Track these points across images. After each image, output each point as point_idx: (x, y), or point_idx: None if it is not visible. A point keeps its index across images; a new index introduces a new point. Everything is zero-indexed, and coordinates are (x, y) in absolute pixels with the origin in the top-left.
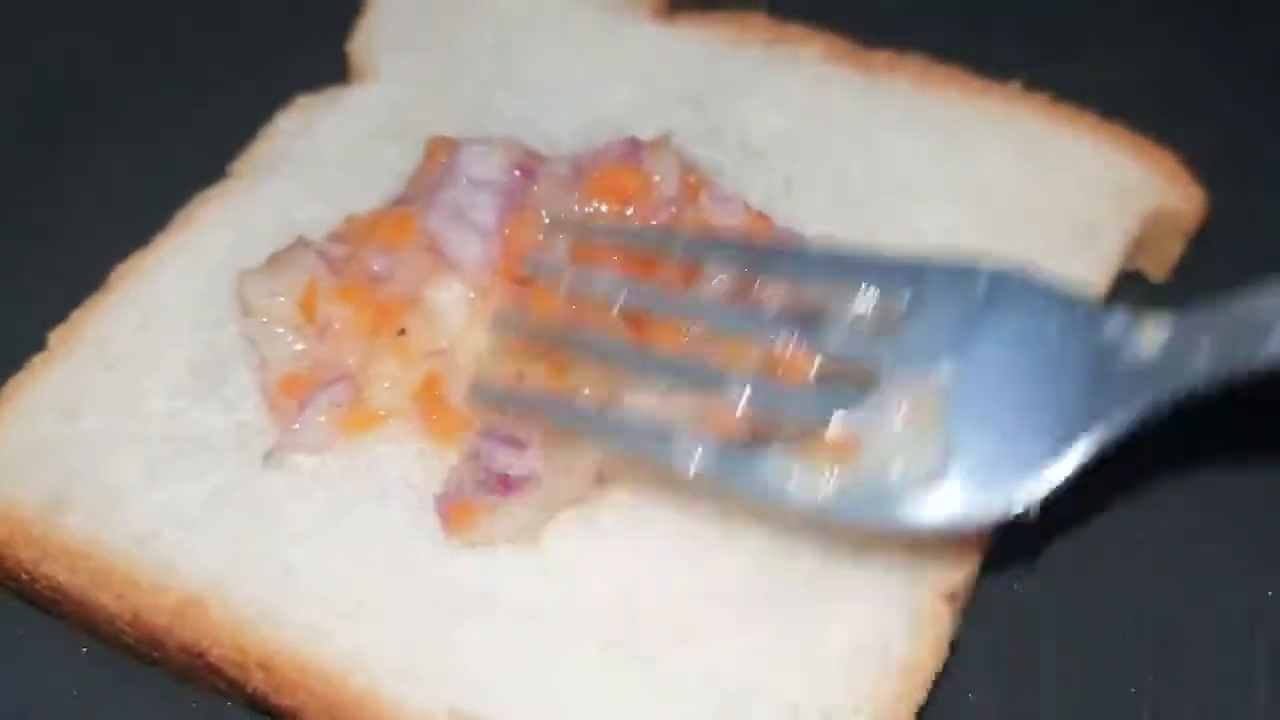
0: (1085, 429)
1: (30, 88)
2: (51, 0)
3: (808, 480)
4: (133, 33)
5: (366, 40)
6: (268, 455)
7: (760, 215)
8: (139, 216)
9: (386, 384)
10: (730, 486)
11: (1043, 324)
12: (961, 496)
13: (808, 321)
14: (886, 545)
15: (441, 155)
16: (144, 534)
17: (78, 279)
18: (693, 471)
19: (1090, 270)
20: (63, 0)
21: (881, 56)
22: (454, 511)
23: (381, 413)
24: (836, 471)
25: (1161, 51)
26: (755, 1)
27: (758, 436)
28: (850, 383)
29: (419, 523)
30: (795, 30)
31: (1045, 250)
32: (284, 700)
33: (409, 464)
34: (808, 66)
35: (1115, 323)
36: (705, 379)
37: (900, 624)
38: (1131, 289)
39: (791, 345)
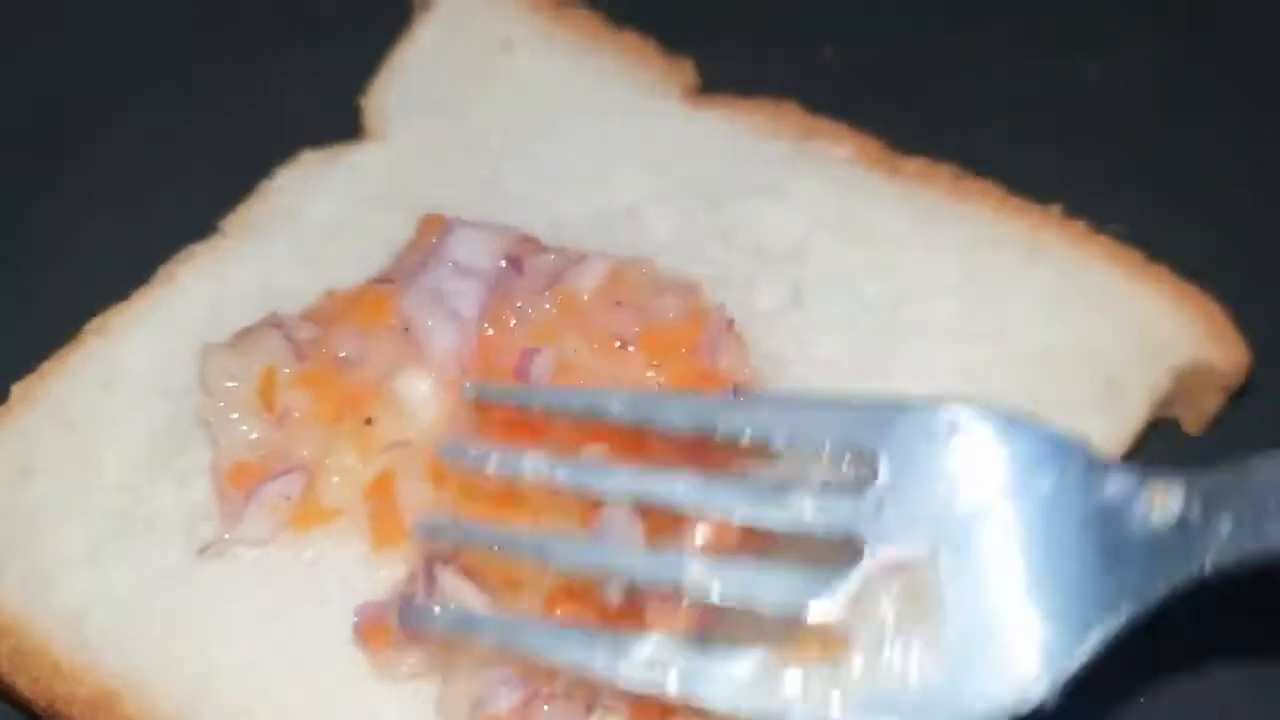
0: (1097, 615)
1: (31, 117)
2: (64, 30)
3: (785, 683)
4: (148, 65)
5: (381, 97)
6: (204, 548)
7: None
8: (125, 265)
9: (337, 479)
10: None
11: (1035, 479)
12: (966, 694)
13: (766, 487)
14: None
15: (432, 233)
16: (73, 615)
17: (52, 328)
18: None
19: (1110, 425)
20: (76, 30)
21: (915, 164)
22: (369, 631)
23: (331, 509)
24: (820, 672)
25: (1219, 198)
26: (790, 90)
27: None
28: (820, 561)
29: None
30: (827, 126)
31: (1063, 399)
32: None
33: (352, 567)
34: (835, 168)
35: (1119, 481)
36: (659, 568)
37: None
38: (1164, 442)
39: (755, 515)
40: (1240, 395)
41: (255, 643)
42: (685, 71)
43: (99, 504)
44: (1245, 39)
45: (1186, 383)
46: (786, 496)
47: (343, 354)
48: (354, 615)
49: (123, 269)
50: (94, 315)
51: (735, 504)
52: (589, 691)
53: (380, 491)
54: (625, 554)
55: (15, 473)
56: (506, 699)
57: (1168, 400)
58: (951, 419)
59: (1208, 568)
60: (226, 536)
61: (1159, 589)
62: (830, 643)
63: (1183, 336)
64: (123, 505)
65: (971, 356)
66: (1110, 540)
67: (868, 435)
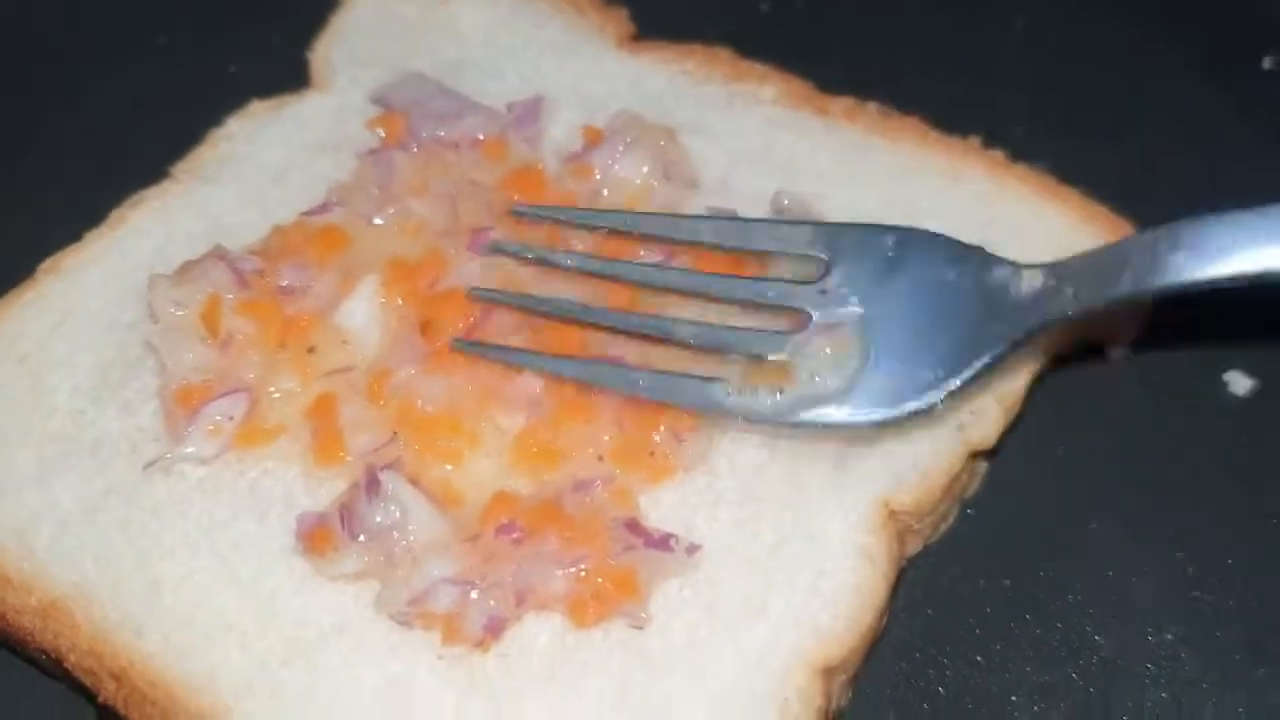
0: (975, 353)
1: None
2: None
3: (748, 396)
4: (106, 17)
5: (327, 50)
6: (149, 463)
7: None
8: (78, 208)
9: (278, 396)
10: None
11: (942, 271)
12: (875, 401)
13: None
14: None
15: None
16: (22, 529)
17: (10, 267)
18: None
19: None
20: None
21: (841, 103)
22: (312, 535)
23: (273, 428)
24: (773, 388)
25: (1126, 129)
26: (724, 36)
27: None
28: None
29: (294, 545)
30: (757, 69)
31: None
32: (132, 714)
33: (293, 484)
34: (764, 107)
35: (1001, 270)
36: (660, 325)
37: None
38: (1087, 362)
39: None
40: (1155, 315)
41: (198, 554)
42: (620, 20)
43: (48, 429)
44: None
45: None
46: (757, 284)
47: (285, 284)
48: (296, 524)
49: (77, 213)
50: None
51: (718, 285)
52: (520, 587)
53: (321, 412)
54: (630, 316)
55: None
56: (446, 595)
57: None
58: (882, 229)
59: (1057, 316)
60: (169, 454)
61: (1024, 330)
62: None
63: None
64: (70, 430)
65: None
66: (995, 305)
67: (821, 241)
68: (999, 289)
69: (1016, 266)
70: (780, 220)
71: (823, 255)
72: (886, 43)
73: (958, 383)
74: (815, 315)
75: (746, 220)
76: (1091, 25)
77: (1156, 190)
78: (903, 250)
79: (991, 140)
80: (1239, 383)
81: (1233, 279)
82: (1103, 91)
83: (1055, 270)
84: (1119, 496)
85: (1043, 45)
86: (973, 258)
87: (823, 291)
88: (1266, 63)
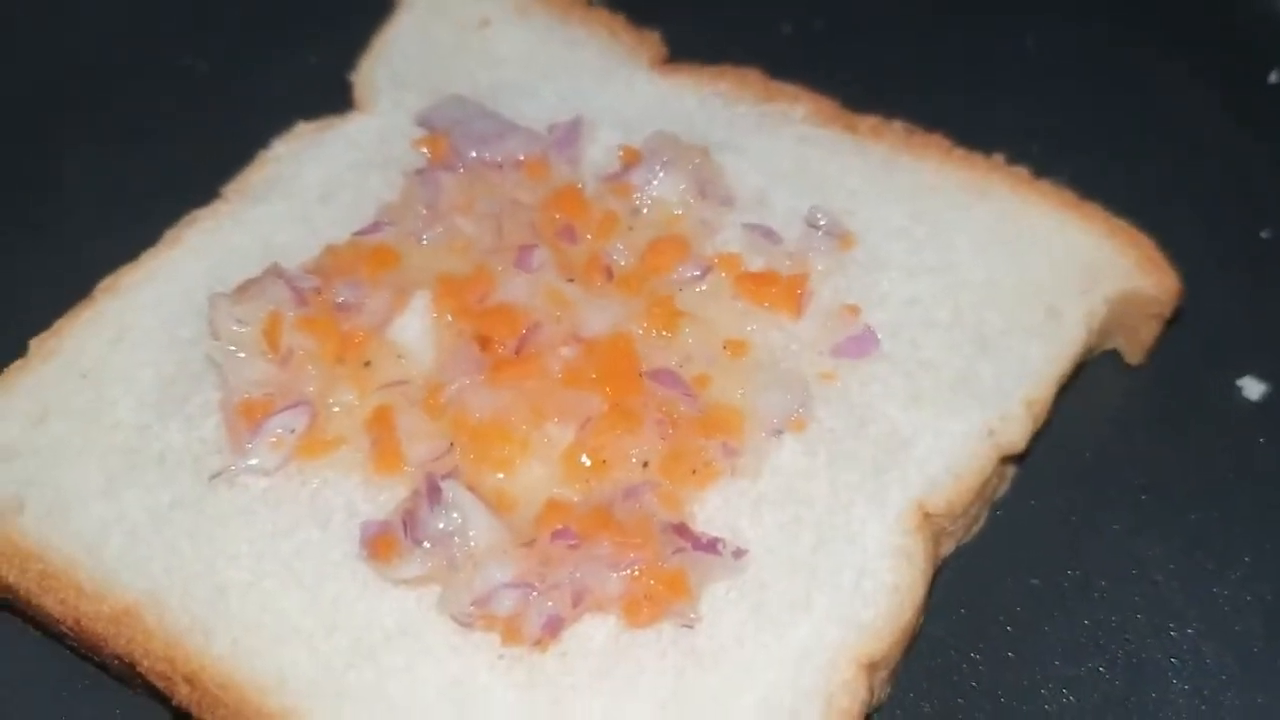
0: None
1: (39, 85)
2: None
3: None
4: (159, 38)
5: (370, 72)
6: (214, 475)
7: None
8: (133, 229)
9: (338, 409)
10: None
11: None
12: None
13: None
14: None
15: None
16: (93, 541)
17: (68, 287)
18: None
19: (1051, 350)
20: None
21: (868, 121)
22: (376, 542)
23: (334, 440)
24: None
25: (1147, 146)
26: (754, 57)
27: None
28: None
29: (356, 552)
30: (787, 89)
31: (1008, 328)
32: (205, 716)
33: (354, 493)
34: (794, 126)
35: None
36: None
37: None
38: (1108, 370)
39: None
40: (1174, 324)
41: (262, 561)
42: (653, 43)
43: (112, 442)
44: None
45: (1122, 311)
46: None
47: (341, 300)
48: (359, 531)
49: (132, 233)
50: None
51: None
52: (577, 590)
53: (379, 423)
54: None
55: (34, 419)
56: (507, 598)
57: (1107, 330)
58: None
59: None
60: (233, 466)
61: None
62: None
63: (1116, 267)
64: (135, 443)
65: (918, 290)
66: None
67: None
68: None
69: None
70: None
71: None
72: (902, 60)
73: None
74: None
75: None
76: (1097, 39)
77: (1173, 205)
78: None
79: (1014, 158)
80: (1253, 388)
81: None
82: (1114, 106)
83: None
84: (1139, 498)
85: (1054, 61)
86: None
87: None
88: (1273, 76)
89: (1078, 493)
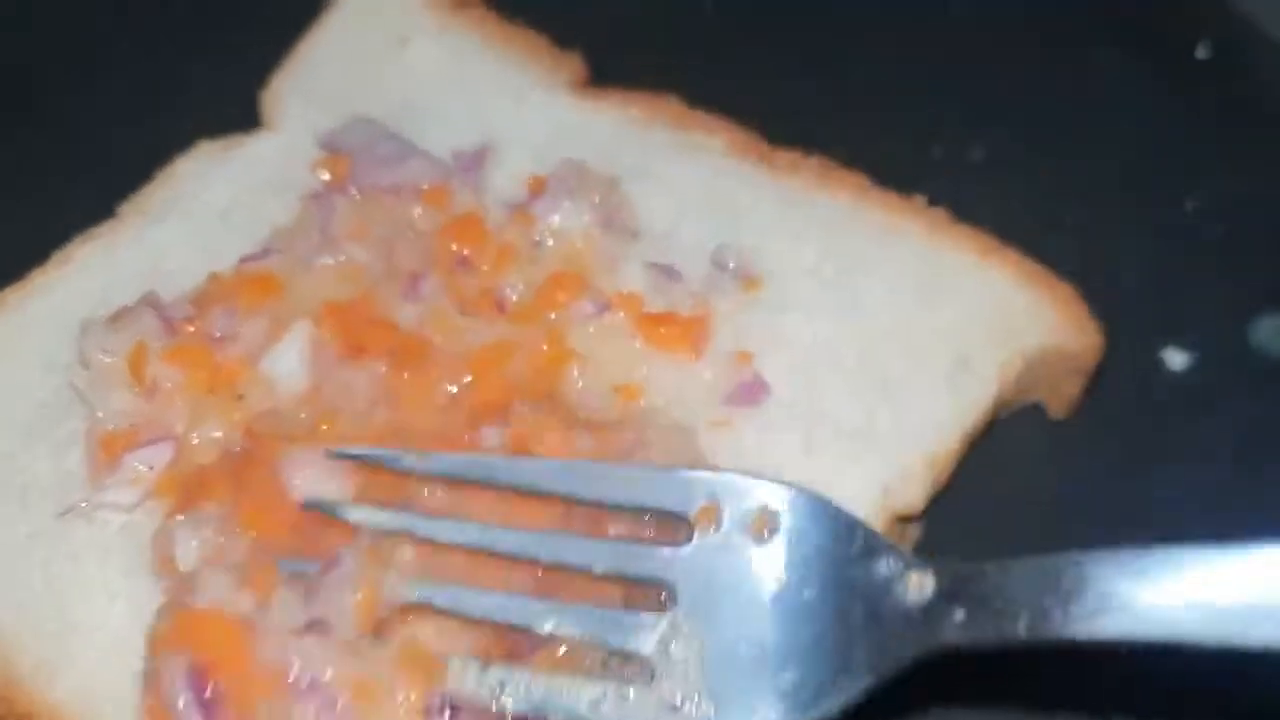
0: (858, 672)
1: None
2: None
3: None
4: (60, 51)
5: (279, 89)
6: (64, 511)
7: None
8: (25, 247)
9: (203, 443)
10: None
11: (819, 554)
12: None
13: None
14: None
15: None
16: None
17: None
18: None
19: (960, 403)
20: None
21: (786, 155)
22: None
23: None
24: (634, 693)
25: (1075, 191)
26: (676, 84)
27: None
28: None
29: None
30: (705, 119)
31: (914, 377)
32: None
33: None
34: (710, 157)
35: (886, 564)
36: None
37: None
38: (1029, 425)
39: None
40: (1099, 378)
41: (114, 603)
42: (574, 65)
43: None
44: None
45: (1041, 364)
46: (619, 547)
47: (217, 333)
48: None
49: (22, 251)
50: None
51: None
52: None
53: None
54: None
55: None
56: None
57: (1026, 383)
58: (757, 499)
59: (944, 643)
60: (84, 503)
61: (894, 659)
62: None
63: (1035, 319)
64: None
65: (826, 332)
66: (873, 612)
67: (686, 501)
68: (878, 589)
69: (905, 562)
70: (643, 470)
71: (695, 510)
72: (828, 93)
73: (829, 711)
74: (681, 596)
75: (608, 468)
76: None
77: (1101, 258)
78: (783, 518)
79: (939, 200)
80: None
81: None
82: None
83: (949, 580)
84: None
85: (989, 100)
86: (857, 537)
87: (691, 564)
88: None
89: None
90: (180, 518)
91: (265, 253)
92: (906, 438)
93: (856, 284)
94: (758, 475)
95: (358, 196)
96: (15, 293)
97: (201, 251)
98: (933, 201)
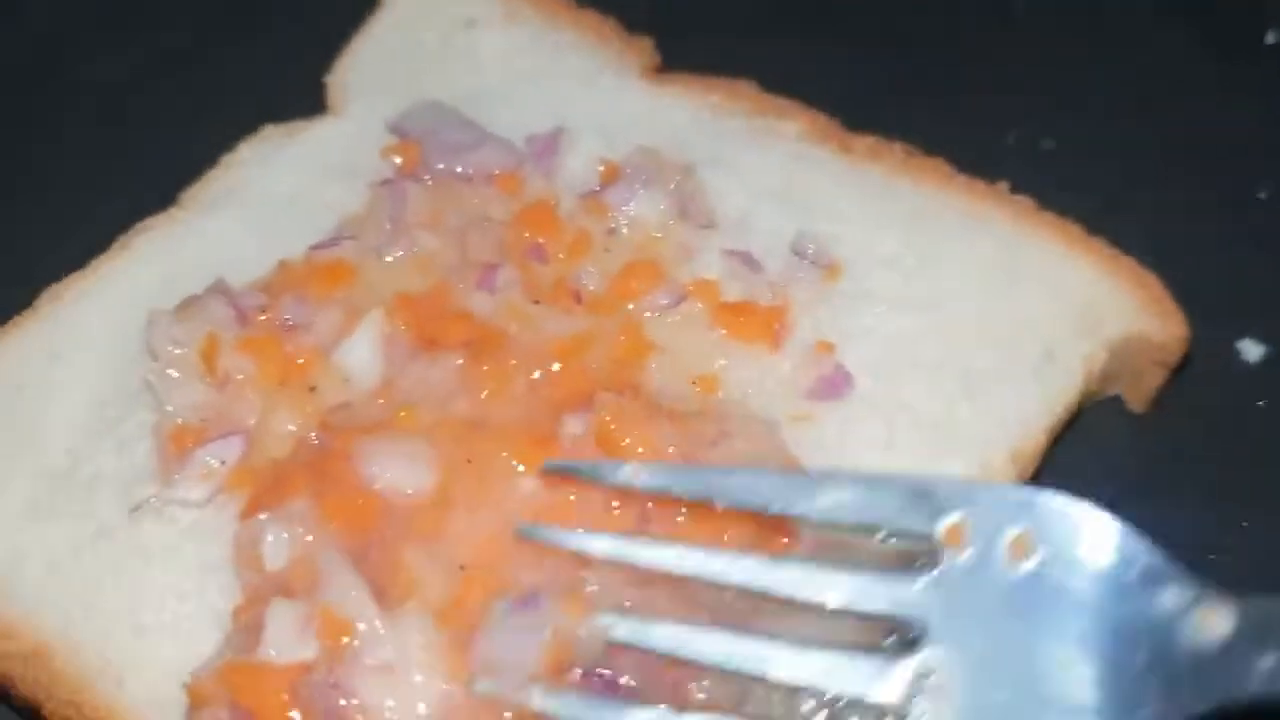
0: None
1: None
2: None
3: None
4: (120, 38)
5: (344, 74)
6: (135, 507)
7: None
8: (87, 235)
9: (277, 438)
10: None
11: (1096, 580)
12: None
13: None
14: None
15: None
16: (8, 570)
17: (11, 296)
18: None
19: (1045, 395)
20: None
21: (865, 141)
22: None
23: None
24: None
25: (1160, 180)
26: (750, 69)
27: None
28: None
29: None
30: (781, 104)
31: (998, 370)
32: None
33: None
34: (787, 143)
35: (1174, 595)
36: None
37: None
38: (1108, 418)
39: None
40: (1181, 372)
41: (183, 603)
42: (645, 51)
43: (41, 464)
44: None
45: (1124, 356)
46: (850, 576)
47: (288, 320)
48: None
49: (85, 239)
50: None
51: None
52: None
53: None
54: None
55: None
56: None
57: (1109, 375)
58: (1011, 513)
59: (1249, 694)
60: (154, 498)
61: (1200, 706)
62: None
63: (1120, 309)
64: (64, 465)
65: (905, 325)
66: (1158, 653)
67: (930, 517)
68: (1164, 625)
69: (1197, 593)
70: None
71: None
72: (906, 79)
73: None
74: (934, 633)
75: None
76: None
77: (1183, 248)
78: (1044, 540)
79: (1019, 188)
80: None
81: None
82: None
83: (1255, 616)
84: None
85: (1059, 88)
86: (1137, 560)
87: (940, 592)
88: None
89: None
90: (264, 515)
91: (336, 240)
92: (991, 431)
93: (939, 273)
94: (1000, 483)
95: (430, 183)
96: (74, 283)
97: (267, 239)
98: (1013, 190)
